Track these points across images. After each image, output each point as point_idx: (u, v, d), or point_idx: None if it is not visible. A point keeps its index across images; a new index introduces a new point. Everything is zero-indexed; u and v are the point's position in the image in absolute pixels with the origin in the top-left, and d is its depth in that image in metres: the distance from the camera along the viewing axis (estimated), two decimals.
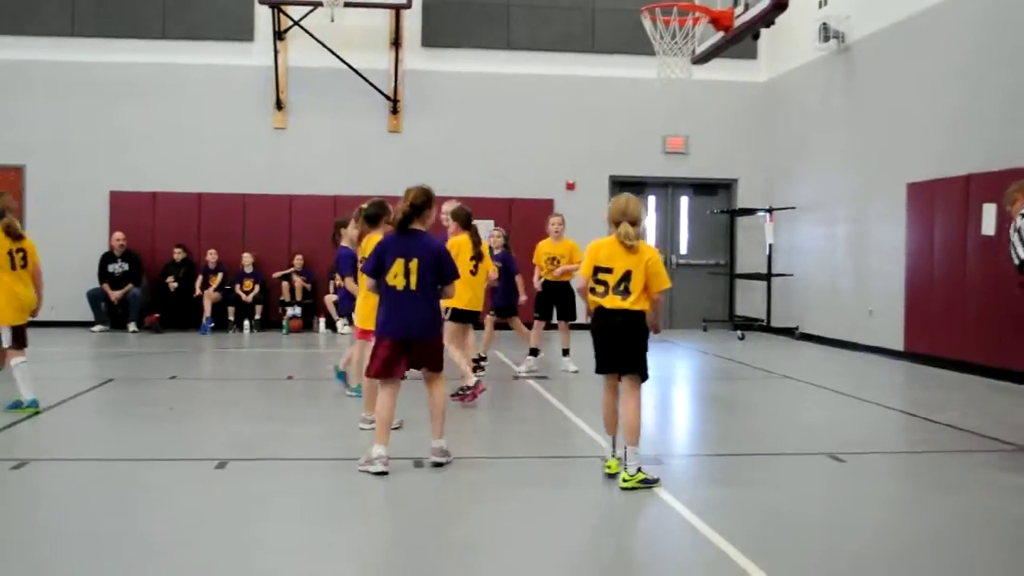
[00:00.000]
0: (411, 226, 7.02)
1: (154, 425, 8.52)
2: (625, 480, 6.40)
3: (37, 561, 4.94)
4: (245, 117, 18.09)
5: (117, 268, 17.31)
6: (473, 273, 9.92)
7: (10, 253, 8.81)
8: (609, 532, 5.76)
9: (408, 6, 17.14)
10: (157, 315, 17.21)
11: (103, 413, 9.62)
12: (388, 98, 18.17)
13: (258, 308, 17.49)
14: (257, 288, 17.51)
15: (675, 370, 13.56)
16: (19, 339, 8.97)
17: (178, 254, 17.50)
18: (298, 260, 17.76)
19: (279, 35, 17.75)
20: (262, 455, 7.34)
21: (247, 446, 7.67)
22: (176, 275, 17.41)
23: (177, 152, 17.88)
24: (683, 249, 19.33)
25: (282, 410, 9.55)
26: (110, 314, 17.31)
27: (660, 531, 5.74)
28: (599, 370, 6.77)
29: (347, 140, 18.17)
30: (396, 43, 18.07)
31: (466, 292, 9.62)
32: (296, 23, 17.51)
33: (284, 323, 17.36)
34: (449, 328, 9.64)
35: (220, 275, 17.43)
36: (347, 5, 16.46)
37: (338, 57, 17.62)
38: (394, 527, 5.83)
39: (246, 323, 17.42)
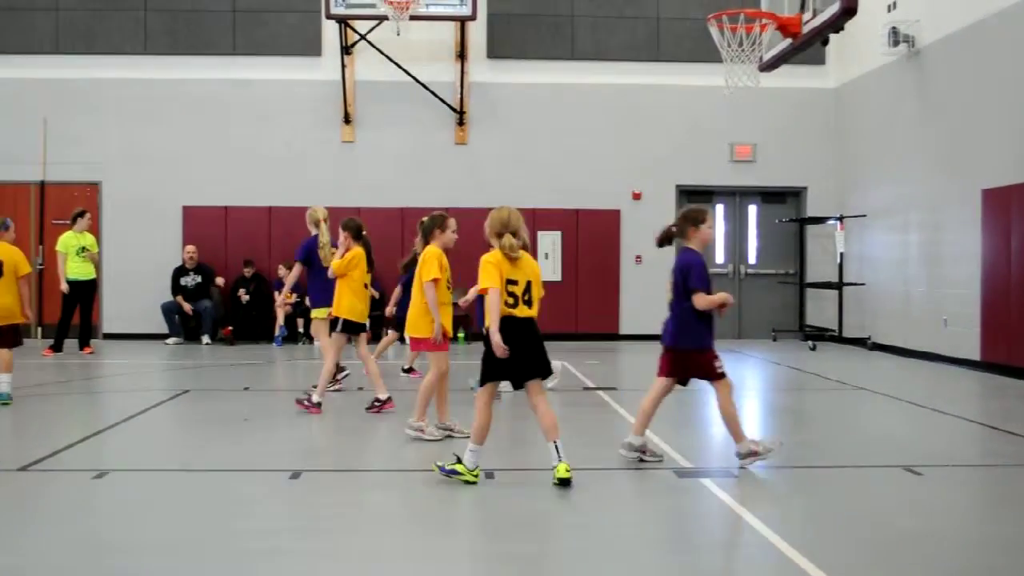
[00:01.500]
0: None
1: (229, 436, 8.65)
2: (566, 471, 6.60)
3: (118, 570, 5.03)
4: (313, 131, 18.32)
5: (190, 281, 17.61)
6: (367, 286, 9.98)
7: None
8: (682, 546, 5.71)
9: (473, 18, 17.24)
10: (230, 327, 17.47)
11: (180, 424, 9.78)
12: (454, 110, 18.28)
13: None
14: None
15: (745, 381, 13.42)
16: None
17: (247, 271, 17.75)
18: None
19: (346, 50, 17.96)
20: (336, 466, 7.40)
21: (320, 457, 7.75)
22: (247, 288, 17.67)
23: (247, 166, 18.16)
24: (751, 258, 19.14)
25: (353, 421, 9.62)
26: (184, 326, 17.61)
27: (735, 544, 5.68)
28: (501, 378, 6.83)
29: (414, 152, 18.31)
30: (461, 55, 18.18)
31: (358, 304, 9.79)
32: (363, 37, 17.70)
33: None
34: (337, 339, 9.85)
35: (293, 292, 17.60)
36: (413, 19, 16.60)
37: (404, 70, 17.78)
38: (474, 537, 5.84)
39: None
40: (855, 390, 11.99)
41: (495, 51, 18.55)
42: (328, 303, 10.04)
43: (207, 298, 17.58)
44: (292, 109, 18.31)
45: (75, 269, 15.59)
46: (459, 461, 6.75)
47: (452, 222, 8.60)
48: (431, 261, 8.26)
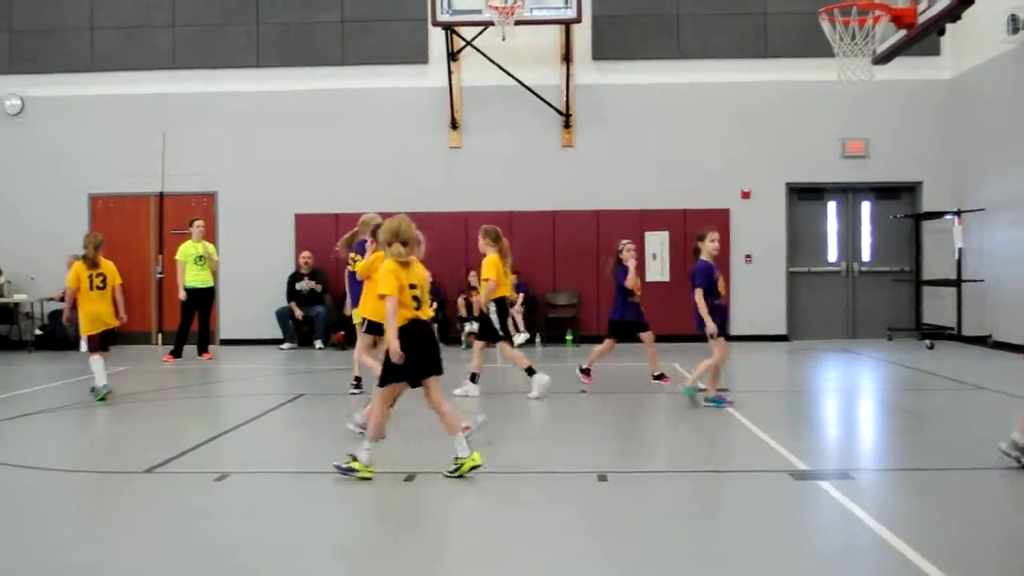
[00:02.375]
0: None
1: (344, 438, 8.79)
2: (478, 459, 7.01)
3: (240, 570, 5.16)
4: (421, 137, 18.53)
5: (304, 287, 17.98)
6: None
7: (90, 278, 11.12)
8: (800, 550, 5.61)
9: (578, 21, 17.23)
10: (343, 332, 17.78)
11: (296, 427, 9.98)
12: (560, 113, 18.30)
13: (434, 326, 17.81)
14: (436, 305, 17.86)
15: (860, 381, 13.16)
16: (95, 344, 11.14)
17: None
18: (473, 276, 18.03)
19: (453, 56, 18.12)
20: (440, 468, 7.47)
21: (435, 459, 7.82)
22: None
23: (357, 174, 18.46)
24: (865, 256, 18.68)
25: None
26: (297, 332, 17.98)
27: (854, 548, 5.56)
28: (404, 379, 7.11)
29: (521, 156, 18.38)
30: (567, 58, 18.18)
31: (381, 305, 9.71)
32: (468, 43, 17.84)
33: (463, 338, 17.66)
34: (362, 339, 10.09)
35: None
36: (518, 23, 16.66)
37: (510, 75, 17.86)
38: (591, 541, 5.83)
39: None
40: (975, 390, 11.63)
41: (600, 53, 18.50)
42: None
43: (320, 304, 17.93)
44: (400, 116, 18.55)
45: (193, 277, 16.04)
46: (355, 459, 7.03)
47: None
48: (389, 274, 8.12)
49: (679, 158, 18.24)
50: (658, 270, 17.87)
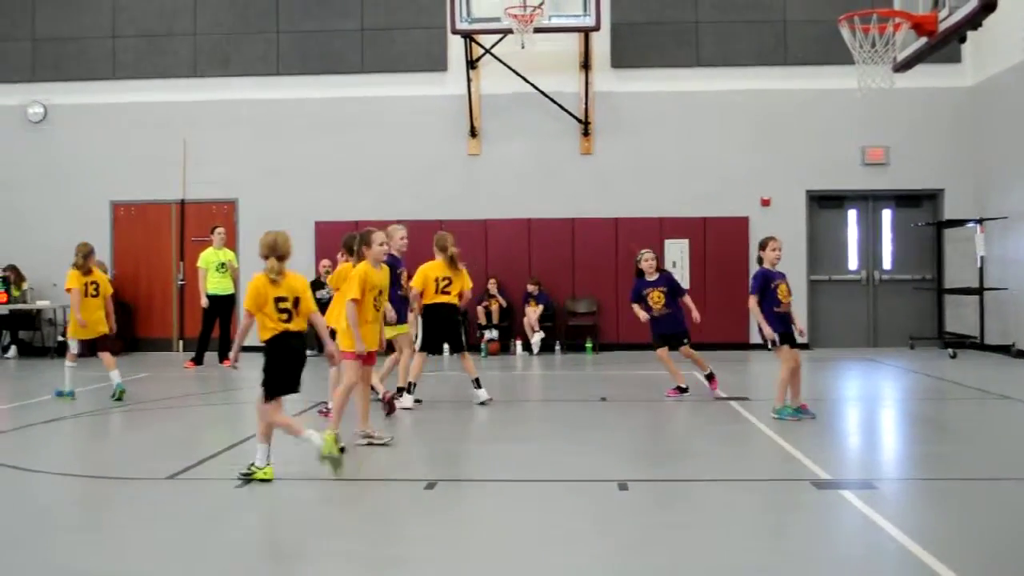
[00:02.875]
0: None
1: (365, 447, 8.79)
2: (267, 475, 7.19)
3: (259, 574, 5.18)
4: (440, 145, 18.56)
5: (325, 294, 17.98)
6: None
7: (85, 285, 11.66)
8: (823, 558, 5.58)
9: (597, 28, 17.25)
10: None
11: None
12: (579, 120, 18.30)
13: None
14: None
15: (882, 390, 13.09)
16: (93, 348, 11.92)
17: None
18: (492, 284, 18.04)
19: (472, 64, 18.16)
20: (470, 476, 7.48)
21: (455, 467, 7.84)
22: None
23: (376, 182, 18.51)
24: (887, 264, 18.58)
25: (485, 431, 9.70)
26: (317, 339, 17.97)
27: (877, 558, 5.52)
28: (283, 392, 7.35)
29: (540, 164, 18.39)
30: (586, 66, 18.19)
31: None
32: (487, 51, 17.88)
33: (482, 346, 17.67)
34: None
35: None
36: (537, 31, 16.69)
37: (529, 82, 17.89)
38: (613, 550, 5.81)
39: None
40: (998, 399, 11.55)
41: (619, 60, 18.51)
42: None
43: None
44: (419, 124, 18.59)
45: (214, 284, 16.11)
46: (252, 465, 7.26)
47: (380, 235, 8.70)
48: (354, 279, 8.43)
49: (698, 166, 18.21)
50: (677, 278, 17.75)
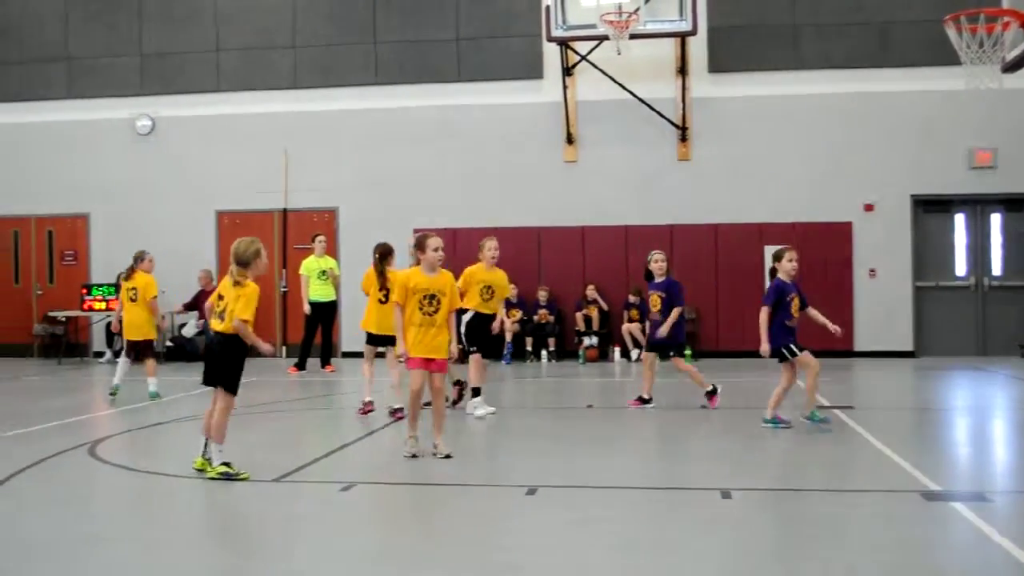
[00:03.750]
0: None
1: (465, 451, 8.85)
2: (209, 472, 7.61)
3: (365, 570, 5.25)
4: (536, 153, 18.60)
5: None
6: (382, 302, 10.87)
7: (126, 290, 12.69)
8: (936, 572, 5.43)
9: (694, 33, 17.11)
10: (462, 346, 17.88)
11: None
12: (676, 126, 18.17)
13: (551, 340, 17.91)
14: (552, 319, 17.93)
15: (992, 400, 12.72)
16: (135, 351, 12.84)
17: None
18: (591, 290, 18.01)
19: (567, 71, 18.17)
20: (571, 482, 7.47)
21: (556, 473, 7.84)
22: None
23: (473, 189, 18.63)
24: (996, 270, 18.03)
25: (585, 438, 9.68)
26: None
27: (994, 573, 5.36)
28: (205, 383, 7.92)
29: (636, 170, 18.30)
30: (682, 71, 18.06)
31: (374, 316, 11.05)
32: (583, 58, 17.87)
33: (580, 353, 17.65)
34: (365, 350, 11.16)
35: (519, 310, 17.99)
36: (632, 37, 16.62)
37: (625, 88, 17.82)
38: (722, 563, 5.75)
39: (543, 353, 17.86)
40: None
41: (717, 65, 18.33)
42: None
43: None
44: (516, 132, 18.66)
45: (316, 291, 16.38)
46: (224, 464, 7.62)
47: (434, 241, 8.75)
48: (396, 284, 8.80)
49: (798, 170, 17.93)
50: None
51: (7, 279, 20.33)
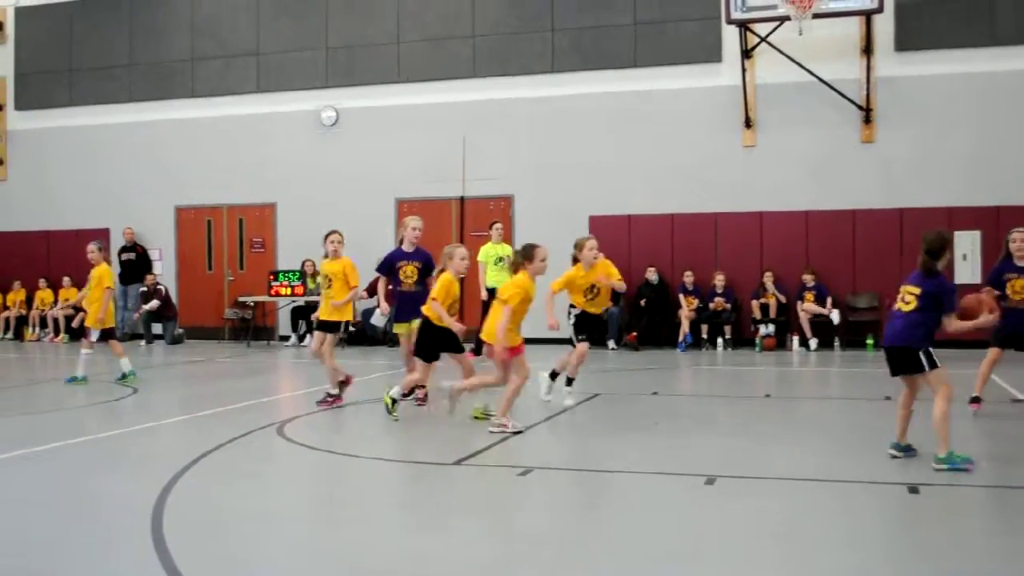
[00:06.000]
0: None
1: (642, 439, 8.83)
2: None
3: (542, 561, 5.29)
4: (714, 137, 18.33)
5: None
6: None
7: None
8: None
9: (880, 10, 16.50)
10: (635, 333, 17.87)
11: (594, 426, 10.11)
12: (860, 108, 17.58)
13: (727, 328, 17.66)
14: (729, 307, 17.68)
15: None
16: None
17: (651, 274, 18.11)
18: (768, 277, 17.65)
19: (746, 53, 17.81)
20: (750, 473, 7.35)
21: (735, 463, 7.73)
22: (649, 295, 18.01)
23: (650, 175, 18.51)
24: None
25: (764, 428, 9.51)
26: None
27: None
28: None
29: (817, 154, 17.80)
30: (867, 50, 17.44)
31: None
32: (763, 40, 17.48)
33: (757, 341, 17.34)
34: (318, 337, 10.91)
35: (695, 298, 17.82)
36: (815, 17, 16.17)
37: (806, 70, 17.34)
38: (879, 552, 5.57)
39: (719, 341, 17.63)
40: None
41: (904, 43, 17.61)
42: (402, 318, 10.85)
43: (614, 304, 18.10)
44: (693, 116, 18.43)
45: (493, 277, 16.57)
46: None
47: (543, 251, 9.13)
48: (518, 290, 9.01)
49: (991, 152, 17.07)
50: (969, 272, 16.69)
51: (201, 265, 21.42)
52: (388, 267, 11.11)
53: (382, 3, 20.13)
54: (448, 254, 10.02)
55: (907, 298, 7.41)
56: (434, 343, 9.61)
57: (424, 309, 9.63)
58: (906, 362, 7.34)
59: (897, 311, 7.48)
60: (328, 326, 10.94)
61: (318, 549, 5.57)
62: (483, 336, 9.51)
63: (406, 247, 11.18)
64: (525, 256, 9.15)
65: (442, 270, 9.88)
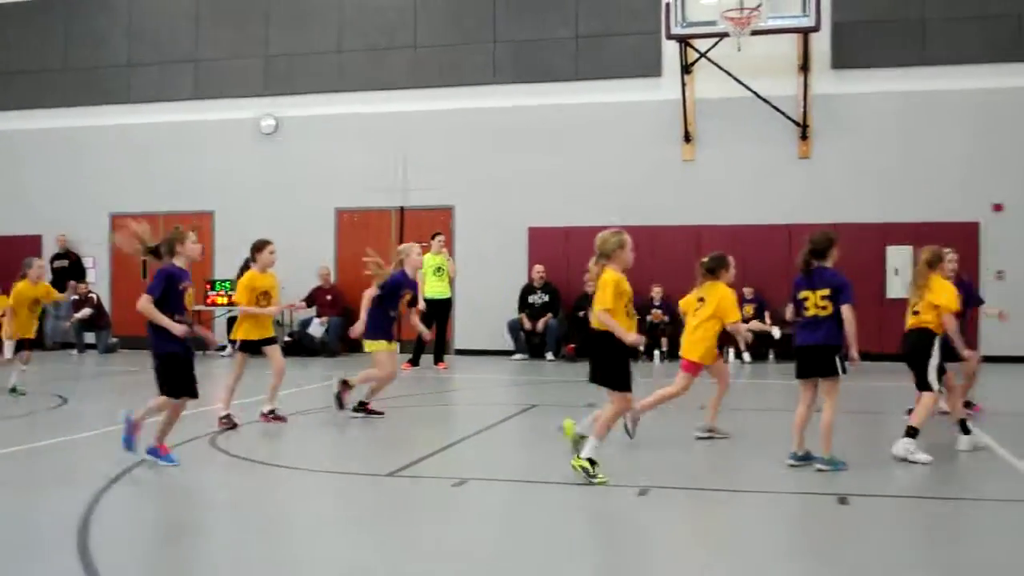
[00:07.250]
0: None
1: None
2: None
3: (479, 569, 5.26)
4: (654, 151, 18.45)
5: (537, 299, 18.24)
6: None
7: None
8: None
9: (816, 29, 16.75)
10: (573, 345, 17.91)
11: (528, 437, 10.11)
12: (797, 124, 17.82)
13: (663, 340, 17.76)
14: (666, 319, 17.78)
15: None
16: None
17: (589, 287, 18.14)
18: (656, 292, 17.90)
19: (686, 69, 17.97)
20: (685, 484, 7.38)
21: (669, 474, 7.75)
22: (587, 307, 18.04)
23: (590, 187, 18.57)
24: None
25: (699, 439, 9.55)
26: (528, 343, 18.25)
27: None
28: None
29: (755, 168, 18.00)
30: (804, 67, 17.69)
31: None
32: (703, 55, 17.65)
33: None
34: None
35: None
36: (754, 33, 16.37)
37: (745, 86, 17.54)
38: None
39: (655, 353, 17.72)
40: None
41: (840, 61, 17.89)
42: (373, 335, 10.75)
43: (553, 316, 18.15)
44: (633, 130, 18.54)
45: (431, 288, 16.55)
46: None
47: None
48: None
49: (923, 169, 17.40)
50: (900, 287, 16.93)
51: (136, 274, 21.05)
52: (395, 292, 10.86)
53: (323, 12, 20.02)
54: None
55: (821, 303, 7.69)
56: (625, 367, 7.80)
57: (597, 324, 7.94)
58: (821, 363, 7.62)
59: (814, 317, 7.73)
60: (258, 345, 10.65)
61: (248, 560, 5.49)
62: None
63: (409, 272, 10.97)
64: (720, 264, 9.57)
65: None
